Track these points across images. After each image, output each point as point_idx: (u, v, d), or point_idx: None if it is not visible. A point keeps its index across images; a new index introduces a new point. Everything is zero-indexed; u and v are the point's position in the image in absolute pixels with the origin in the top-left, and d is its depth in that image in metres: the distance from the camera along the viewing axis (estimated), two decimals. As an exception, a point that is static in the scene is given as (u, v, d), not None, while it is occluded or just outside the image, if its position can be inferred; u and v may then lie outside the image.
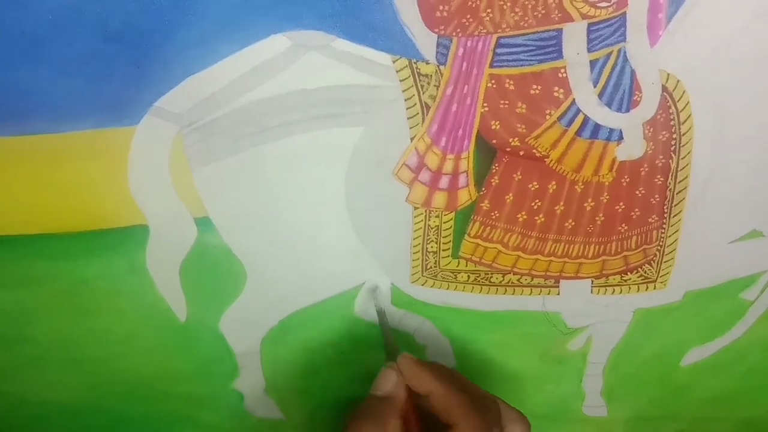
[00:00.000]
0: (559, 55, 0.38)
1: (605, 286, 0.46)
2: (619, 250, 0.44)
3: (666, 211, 0.43)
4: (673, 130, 0.40)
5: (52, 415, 0.51)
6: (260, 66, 0.38)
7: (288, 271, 0.45)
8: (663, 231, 0.44)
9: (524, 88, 0.39)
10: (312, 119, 0.39)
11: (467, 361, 0.49)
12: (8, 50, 0.36)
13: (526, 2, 0.36)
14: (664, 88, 0.39)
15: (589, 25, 0.37)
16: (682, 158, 0.41)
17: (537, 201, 0.42)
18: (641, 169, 0.41)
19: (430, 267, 0.45)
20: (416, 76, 0.39)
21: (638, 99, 0.39)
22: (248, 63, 0.38)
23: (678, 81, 0.39)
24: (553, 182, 0.42)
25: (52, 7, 0.35)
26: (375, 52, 0.38)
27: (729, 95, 0.40)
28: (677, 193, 0.42)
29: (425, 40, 0.38)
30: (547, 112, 0.39)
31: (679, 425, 0.54)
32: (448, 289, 0.46)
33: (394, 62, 0.38)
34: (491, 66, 0.38)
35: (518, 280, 0.46)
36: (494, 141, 0.41)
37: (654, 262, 0.45)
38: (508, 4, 0.36)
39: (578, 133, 0.40)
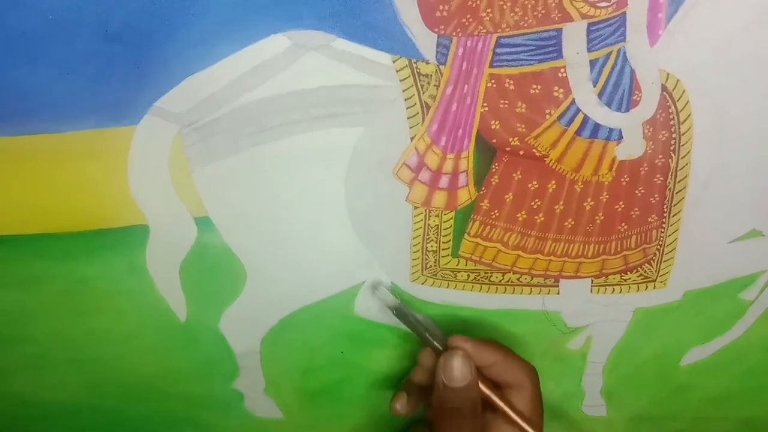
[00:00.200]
0: (559, 54, 0.38)
1: (605, 285, 0.46)
2: (618, 249, 0.44)
3: (665, 210, 0.43)
4: (672, 129, 0.40)
5: (52, 415, 0.51)
6: (260, 66, 0.38)
7: (288, 271, 0.45)
8: (662, 230, 0.44)
9: (524, 87, 0.39)
10: (312, 119, 0.39)
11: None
12: (8, 50, 0.36)
13: (526, 2, 0.36)
14: (664, 88, 0.39)
15: (589, 24, 0.37)
16: (682, 158, 0.41)
17: (537, 200, 0.43)
18: (641, 168, 0.41)
19: (430, 266, 0.45)
20: (416, 75, 0.39)
21: (638, 98, 0.39)
22: (248, 63, 0.38)
23: (678, 81, 0.39)
24: (553, 181, 0.42)
25: (52, 7, 0.35)
26: (375, 52, 0.38)
27: (729, 95, 0.40)
28: (677, 193, 0.42)
29: (425, 40, 0.38)
30: (547, 111, 0.40)
31: (679, 425, 0.54)
32: (448, 288, 0.46)
33: (394, 62, 0.38)
34: (491, 66, 0.38)
35: (518, 280, 0.46)
36: (494, 140, 0.41)
37: (653, 261, 0.45)
38: (508, 4, 0.36)
39: (578, 132, 0.40)
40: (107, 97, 0.38)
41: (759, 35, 0.38)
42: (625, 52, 0.38)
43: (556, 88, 0.39)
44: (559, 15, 0.37)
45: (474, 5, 0.36)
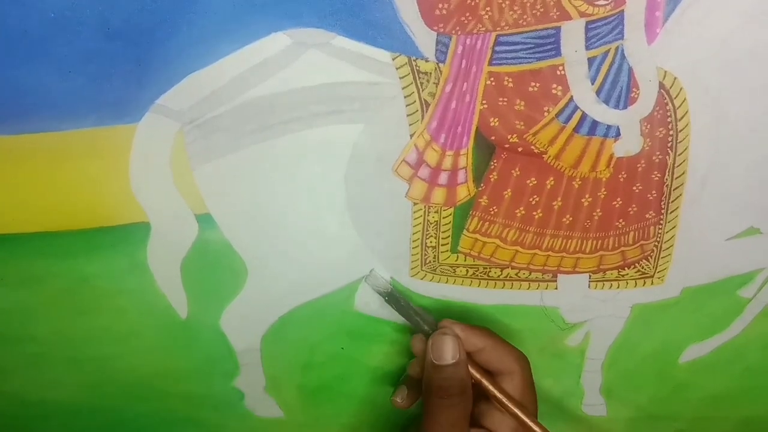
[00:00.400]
0: (558, 52, 0.38)
1: (603, 281, 0.46)
2: (616, 245, 0.44)
3: (663, 207, 0.43)
4: (669, 126, 0.41)
5: (52, 415, 0.51)
6: (261, 63, 0.38)
7: (288, 267, 0.45)
8: (660, 227, 0.44)
9: (523, 85, 0.39)
10: (312, 116, 0.40)
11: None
12: (10, 49, 0.36)
13: (525, 1, 0.37)
14: (662, 86, 0.39)
15: (587, 23, 0.37)
16: (679, 155, 0.41)
17: (535, 196, 0.43)
18: (638, 165, 0.42)
19: (429, 261, 0.45)
20: (416, 73, 0.39)
21: (635, 96, 0.39)
22: (249, 61, 0.38)
23: (675, 78, 0.39)
24: (551, 178, 0.42)
25: (53, 5, 0.35)
26: (375, 50, 0.38)
27: (726, 93, 0.40)
28: (674, 189, 0.43)
29: (425, 38, 0.38)
30: (546, 108, 0.40)
31: (679, 424, 0.54)
32: (446, 283, 0.46)
33: (393, 60, 0.39)
34: (490, 63, 0.39)
35: (516, 275, 0.46)
36: (493, 137, 0.41)
37: (651, 257, 0.45)
38: (507, 2, 0.37)
39: (576, 129, 0.40)
40: (108, 95, 0.38)
41: (756, 33, 0.38)
42: (623, 50, 0.38)
43: (554, 85, 0.39)
44: (557, 13, 0.37)
45: (473, 3, 0.37)
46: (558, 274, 0.46)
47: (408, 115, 0.40)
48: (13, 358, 0.48)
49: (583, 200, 0.43)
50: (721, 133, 0.41)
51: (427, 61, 0.39)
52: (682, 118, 0.40)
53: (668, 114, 0.40)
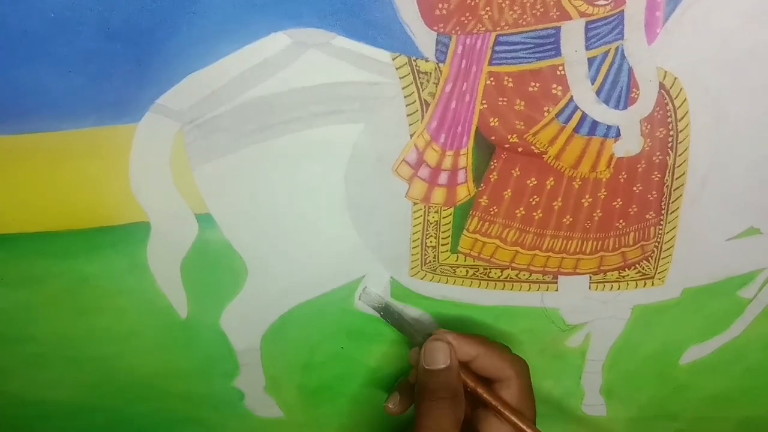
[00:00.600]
0: (558, 52, 0.38)
1: (603, 282, 0.46)
2: (616, 246, 0.44)
3: (663, 207, 0.43)
4: (670, 127, 0.41)
5: (52, 415, 0.51)
6: (261, 63, 0.38)
7: (288, 267, 0.45)
8: (660, 227, 0.44)
9: (523, 85, 0.39)
10: (312, 116, 0.40)
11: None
12: (10, 49, 0.36)
13: (525, 0, 0.37)
14: (662, 86, 0.39)
15: (587, 23, 0.37)
16: (679, 155, 0.41)
17: (535, 197, 0.43)
18: (638, 165, 0.42)
19: (429, 261, 0.45)
20: (416, 73, 0.39)
21: (635, 96, 0.39)
22: (249, 61, 0.38)
23: (675, 78, 0.39)
24: (551, 178, 0.42)
25: (53, 5, 0.36)
26: (375, 50, 0.38)
27: (726, 93, 0.40)
28: (674, 190, 0.43)
29: (425, 38, 0.38)
30: (546, 109, 0.40)
31: (679, 425, 0.54)
32: (446, 283, 0.46)
33: (393, 60, 0.39)
34: (490, 63, 0.39)
35: (516, 276, 0.46)
36: (493, 137, 0.41)
37: (652, 258, 0.45)
38: (507, 2, 0.37)
39: (576, 129, 0.40)
40: (108, 95, 0.38)
41: (757, 33, 0.38)
42: (623, 50, 0.38)
43: (554, 85, 0.39)
44: (557, 13, 0.37)
45: (473, 3, 0.37)
46: (558, 276, 0.46)
47: (408, 115, 0.40)
48: (13, 358, 0.48)
49: (583, 201, 0.43)
50: (722, 133, 0.41)
51: (427, 61, 0.39)
52: (682, 118, 0.40)
53: (668, 114, 0.40)
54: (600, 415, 0.54)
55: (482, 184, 0.42)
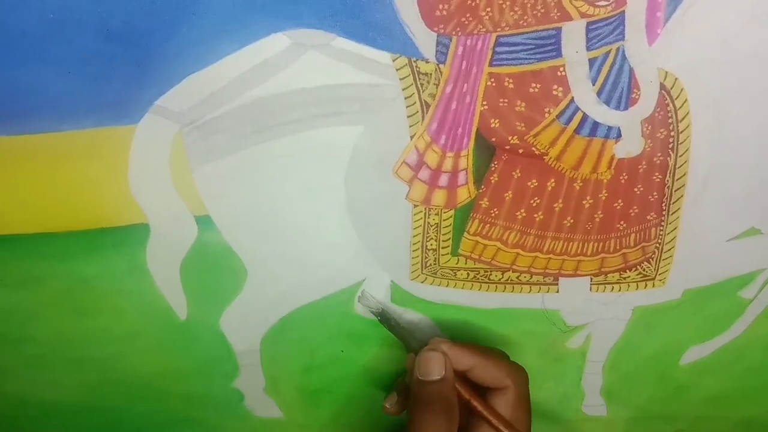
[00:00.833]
0: (558, 53, 0.38)
1: (604, 283, 0.46)
2: (617, 247, 0.44)
3: (664, 208, 0.43)
4: (671, 127, 0.40)
5: (52, 415, 0.51)
6: (260, 65, 0.38)
7: (288, 269, 0.45)
8: (661, 228, 0.44)
9: (523, 86, 0.39)
10: (312, 118, 0.39)
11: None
12: (9, 49, 0.36)
13: (525, 1, 0.37)
14: (663, 86, 0.39)
15: (588, 23, 0.37)
16: (680, 156, 0.41)
17: (536, 198, 0.43)
18: (639, 166, 0.42)
19: (430, 264, 0.45)
20: (416, 74, 0.39)
21: (636, 97, 0.39)
22: (248, 62, 0.38)
23: (676, 79, 0.39)
24: (552, 180, 0.42)
25: (53, 6, 0.35)
26: (375, 51, 0.38)
27: (727, 93, 0.40)
28: (675, 191, 0.42)
29: (425, 39, 0.38)
30: (546, 110, 0.40)
31: (679, 425, 0.54)
32: (447, 286, 0.46)
33: (393, 61, 0.38)
34: (491, 64, 0.38)
35: (517, 278, 0.46)
36: (493, 139, 0.41)
37: (653, 259, 0.45)
38: (507, 3, 0.37)
39: (577, 130, 0.40)
40: (108, 96, 0.38)
41: (758, 34, 0.38)
42: (624, 51, 0.38)
43: (555, 86, 0.39)
44: (558, 14, 0.37)
45: (473, 4, 0.36)
46: (559, 277, 0.46)
47: (408, 117, 0.40)
48: (13, 359, 0.48)
49: (584, 202, 0.43)
50: (722, 134, 0.41)
51: (427, 62, 0.39)
52: (683, 119, 0.40)
53: (669, 115, 0.40)
54: (600, 416, 0.54)
55: (483, 186, 0.42)
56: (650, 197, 0.43)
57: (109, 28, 0.36)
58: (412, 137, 0.40)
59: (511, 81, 0.39)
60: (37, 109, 0.38)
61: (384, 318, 0.46)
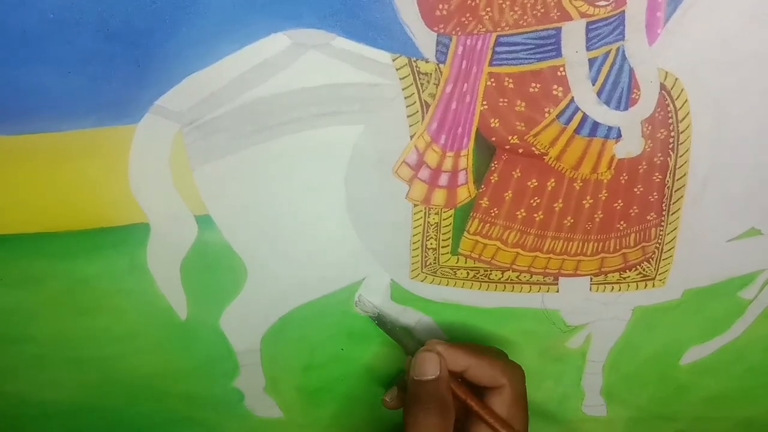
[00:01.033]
0: (558, 53, 0.38)
1: (604, 283, 0.46)
2: (617, 247, 0.44)
3: (664, 208, 0.43)
4: (671, 128, 0.41)
5: (52, 415, 0.51)
6: (261, 64, 0.38)
7: (288, 268, 0.45)
8: (661, 229, 0.44)
9: (523, 86, 0.39)
10: (312, 117, 0.40)
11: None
12: (9, 49, 0.36)
13: (525, 1, 0.37)
14: (663, 87, 0.39)
15: (588, 23, 0.37)
16: (680, 156, 0.41)
17: (536, 198, 0.43)
18: (639, 166, 0.42)
19: (430, 263, 0.45)
20: (416, 74, 0.39)
21: (637, 97, 0.39)
22: (248, 61, 0.38)
23: (676, 79, 0.39)
24: (552, 179, 0.42)
25: (53, 6, 0.35)
26: (375, 51, 0.38)
27: (727, 94, 0.40)
28: (675, 191, 0.43)
29: (425, 39, 0.38)
30: (546, 110, 0.40)
31: (679, 425, 0.54)
32: (447, 285, 0.46)
33: (393, 60, 0.38)
34: (490, 64, 0.38)
35: (517, 277, 0.46)
36: (493, 139, 0.41)
37: (653, 259, 0.45)
38: (507, 2, 0.37)
39: (577, 130, 0.40)
40: (108, 95, 0.38)
41: (758, 34, 0.38)
42: (624, 51, 0.38)
43: (555, 86, 0.39)
44: (558, 14, 0.37)
45: (473, 4, 0.37)
46: (559, 277, 0.46)
47: (408, 116, 0.40)
48: (13, 359, 0.48)
49: (584, 202, 0.43)
50: (723, 134, 0.41)
51: (427, 62, 0.39)
52: (683, 119, 0.40)
53: (669, 115, 0.40)
54: (600, 416, 0.54)
55: (483, 186, 0.42)
56: (650, 197, 0.43)
57: (109, 28, 0.36)
58: (412, 137, 0.40)
59: (511, 81, 0.39)
60: (38, 108, 0.38)
61: (381, 322, 0.46)
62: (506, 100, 0.39)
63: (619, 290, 0.46)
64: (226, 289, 0.45)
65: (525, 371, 0.44)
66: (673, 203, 0.43)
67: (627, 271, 0.46)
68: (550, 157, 0.41)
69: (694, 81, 0.39)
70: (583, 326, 0.49)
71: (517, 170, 0.42)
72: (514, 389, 0.43)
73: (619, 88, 0.39)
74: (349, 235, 0.44)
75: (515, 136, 0.41)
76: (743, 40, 0.38)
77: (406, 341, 0.45)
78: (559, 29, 0.38)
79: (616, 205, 0.43)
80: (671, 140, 0.41)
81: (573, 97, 0.39)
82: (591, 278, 0.46)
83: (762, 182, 0.43)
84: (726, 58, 0.39)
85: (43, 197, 0.41)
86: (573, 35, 0.38)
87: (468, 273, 0.46)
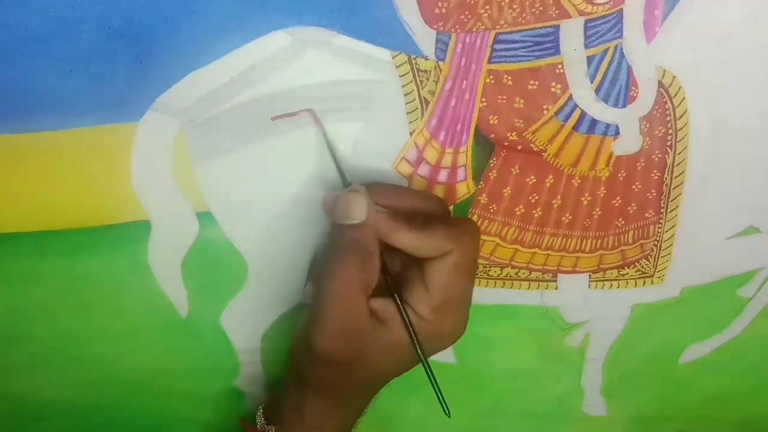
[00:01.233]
0: (557, 51, 0.38)
1: (603, 280, 0.46)
2: (616, 244, 0.44)
3: (662, 206, 0.43)
4: (669, 125, 0.41)
5: (53, 414, 0.51)
6: (261, 62, 0.38)
7: (290, 265, 0.45)
8: (660, 226, 0.44)
9: (522, 83, 0.39)
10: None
11: (465, 356, 0.49)
12: (12, 47, 0.37)
13: (524, -1, 0.37)
14: (661, 84, 0.39)
15: (586, 21, 0.38)
16: (678, 153, 0.41)
17: (534, 195, 0.43)
18: (638, 164, 0.42)
19: (429, 259, 0.45)
20: (415, 71, 0.39)
21: (635, 95, 0.40)
22: (249, 59, 0.38)
23: (674, 77, 0.39)
24: (551, 176, 0.42)
25: (54, 5, 0.36)
26: (375, 48, 0.38)
27: (725, 91, 0.40)
28: (674, 189, 0.43)
29: (424, 36, 0.38)
30: (545, 107, 0.40)
31: (679, 424, 0.54)
32: (446, 281, 0.46)
33: (393, 58, 0.39)
34: (489, 62, 0.39)
35: (516, 274, 0.46)
36: (492, 135, 0.41)
37: (651, 257, 0.45)
38: (506, 0, 0.37)
39: (575, 127, 0.40)
40: (109, 93, 0.38)
41: (755, 32, 0.38)
42: (622, 49, 0.38)
43: (553, 83, 0.39)
44: (556, 12, 0.37)
45: (472, 2, 0.37)
46: (558, 274, 0.46)
47: (408, 113, 0.40)
48: (13, 358, 0.48)
49: (582, 199, 0.43)
50: (721, 131, 0.41)
51: (426, 59, 0.39)
52: (681, 116, 0.40)
53: (667, 113, 0.40)
54: (600, 415, 0.53)
55: (482, 182, 0.43)
56: (648, 195, 0.43)
57: (110, 26, 0.36)
58: (411, 133, 0.41)
59: (509, 78, 0.39)
60: (39, 107, 0.38)
61: (328, 140, 0.40)
62: (505, 97, 0.40)
63: (618, 287, 0.46)
64: (227, 286, 0.45)
65: (475, 236, 0.38)
66: (671, 200, 0.43)
67: (625, 268, 0.46)
68: (549, 154, 0.41)
69: (692, 78, 0.39)
70: (581, 323, 0.49)
71: (516, 167, 0.42)
72: (461, 253, 0.36)
73: (617, 86, 0.39)
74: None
75: (514, 133, 0.41)
76: (741, 37, 0.38)
77: (344, 175, 0.40)
78: (557, 27, 0.38)
79: (615, 202, 0.43)
80: (669, 138, 0.41)
81: (571, 95, 0.39)
82: (589, 275, 0.46)
83: (760, 180, 0.43)
84: (724, 55, 0.39)
85: (45, 195, 0.41)
86: (571, 33, 0.38)
87: (467, 269, 0.46)
